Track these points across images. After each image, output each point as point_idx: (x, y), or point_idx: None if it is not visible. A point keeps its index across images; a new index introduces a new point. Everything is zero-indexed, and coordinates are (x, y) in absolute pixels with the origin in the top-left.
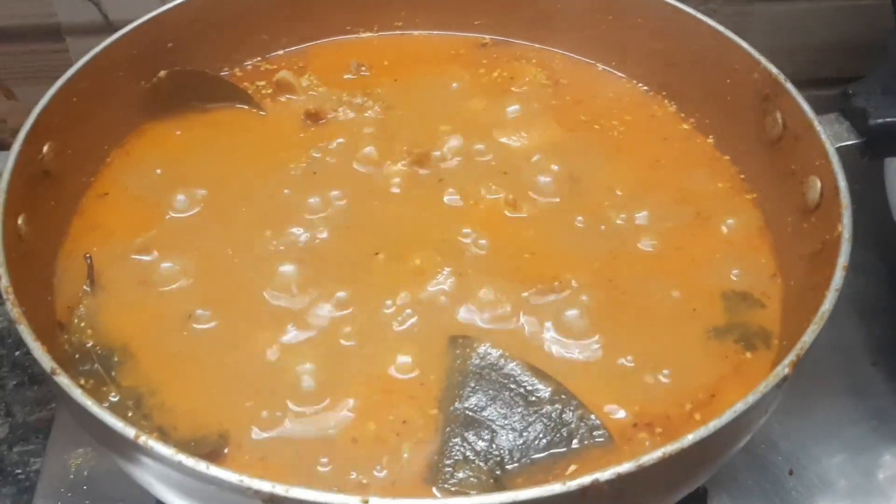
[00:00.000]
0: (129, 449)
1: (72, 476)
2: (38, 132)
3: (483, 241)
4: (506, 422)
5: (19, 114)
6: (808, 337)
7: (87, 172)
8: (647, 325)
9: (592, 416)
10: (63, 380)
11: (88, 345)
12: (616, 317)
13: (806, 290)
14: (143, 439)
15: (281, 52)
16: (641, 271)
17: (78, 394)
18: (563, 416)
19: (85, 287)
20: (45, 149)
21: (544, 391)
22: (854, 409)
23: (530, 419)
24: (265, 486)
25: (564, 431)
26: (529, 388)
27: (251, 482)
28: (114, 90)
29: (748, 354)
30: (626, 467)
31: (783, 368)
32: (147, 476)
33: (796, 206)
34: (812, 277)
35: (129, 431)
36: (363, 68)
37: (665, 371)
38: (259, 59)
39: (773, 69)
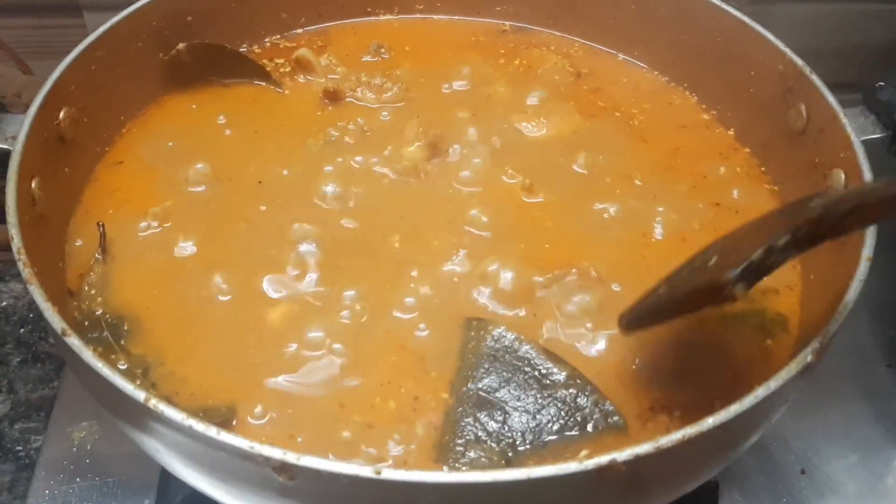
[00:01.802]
0: (139, 413)
1: (74, 449)
2: (56, 97)
3: (498, 225)
4: (519, 404)
5: (35, 88)
6: (832, 325)
7: (103, 141)
8: None
9: (607, 402)
10: (73, 341)
11: (98, 312)
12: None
13: (827, 282)
14: (154, 403)
15: (300, 30)
16: (658, 260)
17: (88, 355)
18: (578, 400)
19: (97, 255)
20: (62, 115)
21: (559, 375)
22: (868, 410)
23: (544, 402)
24: (276, 454)
25: (578, 416)
26: (544, 371)
27: (262, 449)
28: (132, 61)
29: (768, 342)
30: (644, 448)
31: (806, 356)
32: (155, 443)
33: None
34: (834, 269)
35: (139, 394)
36: (383, 50)
37: (683, 358)
38: (278, 36)
39: (799, 61)
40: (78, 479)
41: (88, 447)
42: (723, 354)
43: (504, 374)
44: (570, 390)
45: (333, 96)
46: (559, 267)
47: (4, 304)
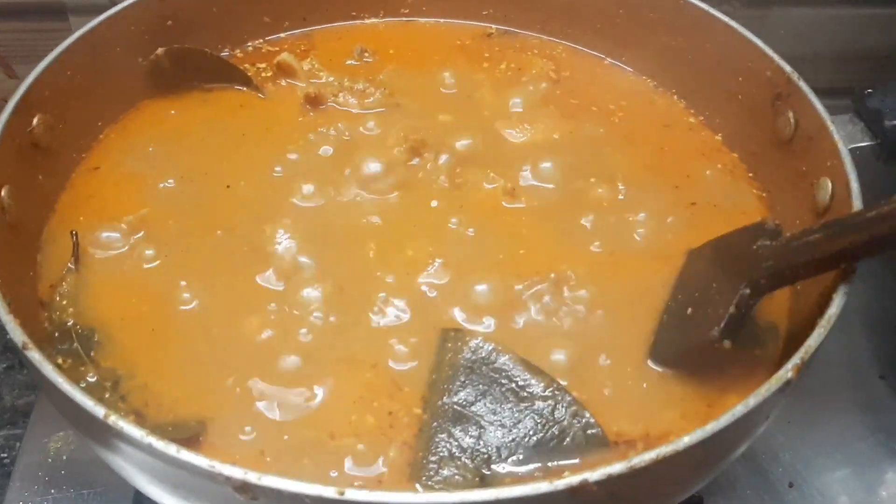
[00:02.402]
0: (100, 430)
1: (50, 460)
2: (29, 103)
3: (477, 231)
4: (495, 417)
5: None
6: (813, 340)
7: (80, 148)
8: (650, 318)
9: (587, 414)
10: (34, 355)
11: (69, 323)
12: (616, 310)
13: (813, 294)
14: (113, 419)
15: (283, 35)
16: (642, 265)
17: (49, 369)
18: (556, 412)
19: (69, 264)
20: (36, 121)
21: (537, 386)
22: (860, 423)
23: (520, 415)
24: (237, 473)
25: (556, 429)
26: (521, 383)
27: (222, 468)
28: (111, 66)
29: (756, 352)
30: (617, 468)
31: (786, 372)
32: (119, 460)
33: (807, 208)
34: (819, 280)
35: (99, 411)
36: (367, 54)
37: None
38: (260, 41)
39: (787, 68)
40: (53, 491)
41: (64, 457)
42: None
43: (480, 386)
44: (548, 402)
45: (315, 101)
46: (540, 273)
47: None
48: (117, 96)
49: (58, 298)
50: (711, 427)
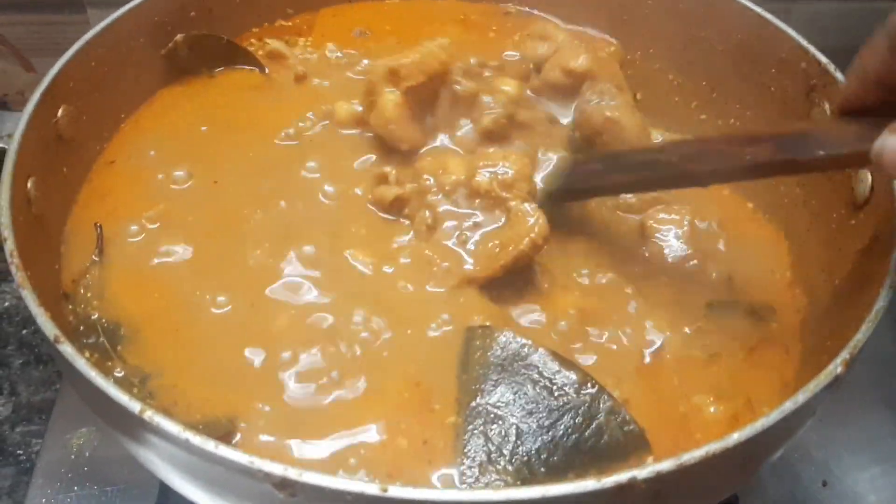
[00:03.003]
0: (134, 425)
1: (73, 457)
2: (54, 95)
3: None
4: (532, 419)
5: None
6: (861, 335)
7: (102, 139)
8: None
9: (623, 411)
10: (66, 348)
11: (94, 317)
12: None
13: (852, 287)
14: (149, 415)
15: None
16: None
17: (82, 364)
18: (591, 409)
19: (94, 257)
20: (60, 112)
21: (571, 383)
22: (892, 420)
23: (557, 414)
24: (277, 469)
25: (594, 426)
26: (555, 380)
27: (262, 464)
28: (133, 57)
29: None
30: (666, 465)
31: (835, 367)
32: (151, 456)
33: (844, 201)
34: (860, 274)
35: (135, 406)
36: (367, 34)
37: None
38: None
39: (823, 58)
40: (76, 488)
41: (87, 454)
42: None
43: (514, 385)
44: (584, 398)
45: (302, 79)
46: None
47: (7, 304)
48: (138, 87)
49: (82, 291)
50: (761, 423)
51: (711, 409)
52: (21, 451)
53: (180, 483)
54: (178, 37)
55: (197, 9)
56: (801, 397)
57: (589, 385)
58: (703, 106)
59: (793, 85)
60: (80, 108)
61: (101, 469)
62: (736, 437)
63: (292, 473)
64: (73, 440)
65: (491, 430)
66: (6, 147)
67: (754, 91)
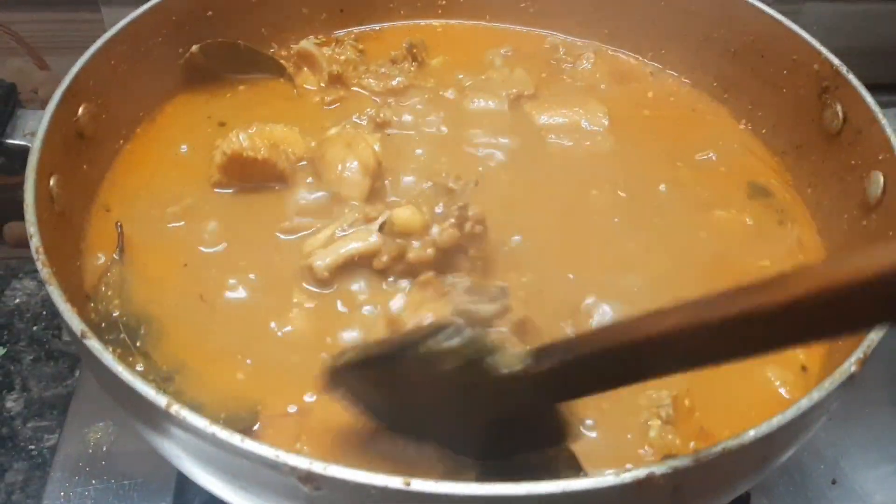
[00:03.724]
0: (160, 419)
1: (90, 451)
2: (75, 93)
3: None
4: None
5: (51, 84)
6: (875, 334)
7: (121, 137)
8: None
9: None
10: (93, 343)
11: (115, 314)
12: None
13: None
14: (176, 409)
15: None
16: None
17: (109, 359)
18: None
19: (114, 255)
20: (81, 110)
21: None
22: None
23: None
24: (303, 463)
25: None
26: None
27: (288, 458)
28: (152, 55)
29: None
30: (684, 461)
31: (850, 365)
32: (176, 449)
33: (854, 203)
34: None
35: (161, 400)
36: (415, 50)
37: None
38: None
39: (835, 60)
40: (94, 482)
41: (104, 448)
42: None
43: None
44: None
45: (337, 80)
46: None
47: (18, 301)
48: (158, 85)
49: (103, 289)
50: (777, 421)
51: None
52: (33, 447)
53: (203, 476)
54: (194, 48)
55: (214, 9)
56: (815, 395)
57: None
58: (714, 108)
59: (805, 86)
60: (100, 106)
61: (118, 463)
62: (752, 433)
63: (317, 467)
64: (91, 434)
65: None
66: (29, 145)
67: (767, 92)
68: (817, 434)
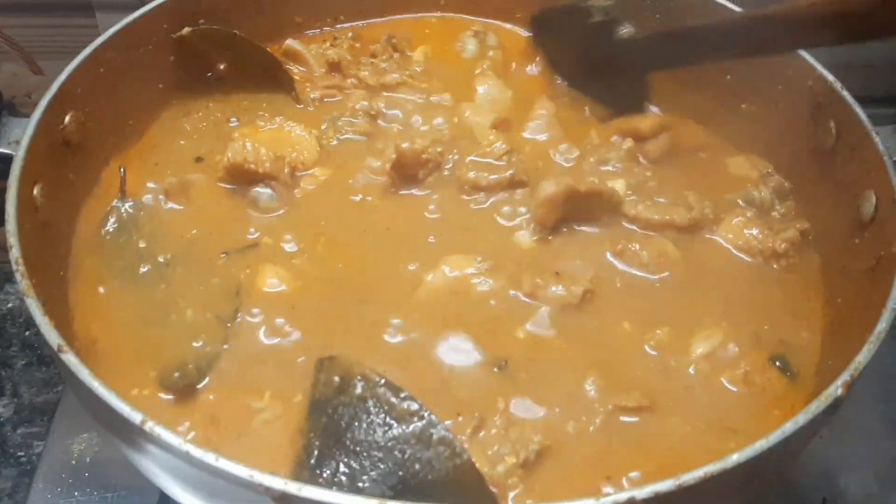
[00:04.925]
0: (135, 435)
1: (73, 462)
2: (62, 101)
3: None
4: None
5: (45, 89)
6: (863, 356)
7: (110, 146)
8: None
9: (455, 443)
10: (69, 358)
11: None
12: None
13: (856, 307)
14: (150, 426)
15: (318, 31)
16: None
17: (85, 374)
18: (422, 439)
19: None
20: (68, 119)
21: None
22: (892, 437)
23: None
24: (277, 484)
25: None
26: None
27: (262, 478)
28: (142, 63)
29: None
30: (665, 486)
31: (836, 388)
32: (152, 465)
33: (848, 219)
34: (863, 294)
35: (136, 417)
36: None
37: None
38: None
39: (829, 76)
40: (76, 493)
41: (88, 459)
42: None
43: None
44: (414, 428)
45: (336, 68)
46: None
47: (10, 305)
48: (149, 94)
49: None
50: (761, 445)
51: None
52: (22, 453)
53: (180, 493)
54: (185, 29)
55: (207, 16)
56: (801, 419)
57: (420, 416)
58: (708, 122)
59: (800, 102)
60: (88, 115)
61: (101, 474)
62: (735, 457)
63: (292, 488)
64: (75, 445)
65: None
66: (13, 154)
67: (761, 106)
68: (808, 452)
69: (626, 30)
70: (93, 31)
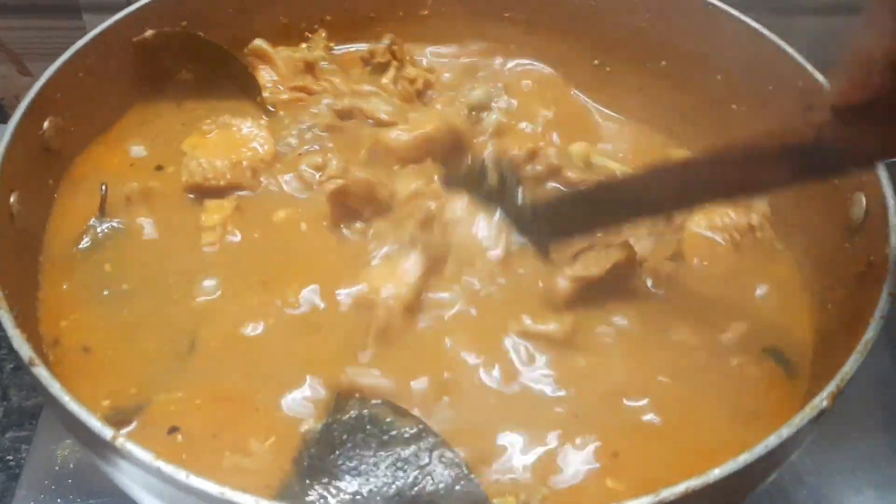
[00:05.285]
0: (107, 450)
1: (57, 468)
2: (41, 106)
3: None
4: (351, 465)
5: None
6: (849, 367)
7: (89, 151)
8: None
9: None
10: (41, 371)
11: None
12: None
13: (845, 315)
14: (121, 442)
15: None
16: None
17: (57, 388)
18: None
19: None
20: (47, 124)
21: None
22: (886, 444)
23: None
24: (248, 501)
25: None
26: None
27: (233, 496)
28: (123, 67)
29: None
30: (645, 501)
31: (821, 401)
32: (125, 479)
33: (837, 224)
34: (853, 301)
35: (107, 432)
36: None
37: None
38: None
39: (820, 77)
40: (59, 500)
41: (72, 465)
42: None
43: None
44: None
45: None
46: None
47: None
48: (119, 98)
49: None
50: (744, 458)
51: None
52: (11, 457)
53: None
54: (148, 32)
55: (189, 20)
56: (785, 431)
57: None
58: (699, 121)
59: (790, 103)
60: (68, 119)
61: (85, 481)
62: (717, 472)
63: None
64: (59, 451)
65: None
66: None
67: (751, 107)
68: (800, 459)
69: (524, 196)
70: (81, 33)
